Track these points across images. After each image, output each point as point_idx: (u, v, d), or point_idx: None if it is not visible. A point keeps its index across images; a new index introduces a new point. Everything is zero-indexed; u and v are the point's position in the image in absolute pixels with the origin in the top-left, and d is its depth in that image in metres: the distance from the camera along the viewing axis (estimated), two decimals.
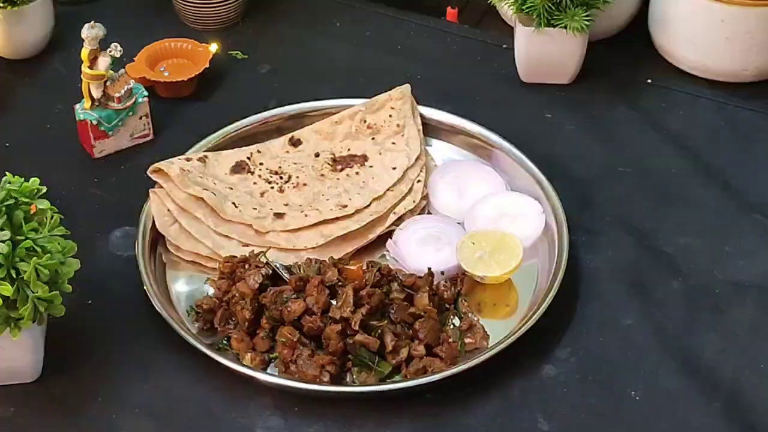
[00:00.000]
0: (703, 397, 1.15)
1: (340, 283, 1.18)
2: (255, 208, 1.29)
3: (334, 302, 1.17)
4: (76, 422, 1.14)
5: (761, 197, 1.34)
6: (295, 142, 1.38)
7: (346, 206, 1.29)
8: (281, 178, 1.34)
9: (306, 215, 1.28)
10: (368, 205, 1.30)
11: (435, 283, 1.22)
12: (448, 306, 1.21)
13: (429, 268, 1.23)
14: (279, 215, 1.29)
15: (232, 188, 1.32)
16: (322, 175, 1.34)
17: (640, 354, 1.19)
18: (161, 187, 1.31)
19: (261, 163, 1.35)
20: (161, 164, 1.31)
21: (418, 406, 1.15)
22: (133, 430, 1.14)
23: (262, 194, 1.32)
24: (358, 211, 1.29)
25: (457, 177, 1.34)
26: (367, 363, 1.15)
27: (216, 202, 1.28)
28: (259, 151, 1.36)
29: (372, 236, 1.29)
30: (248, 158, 1.35)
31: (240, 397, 1.16)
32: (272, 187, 1.33)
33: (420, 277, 1.22)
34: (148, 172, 1.31)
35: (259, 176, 1.34)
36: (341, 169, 1.34)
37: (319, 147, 1.37)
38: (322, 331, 1.15)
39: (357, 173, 1.34)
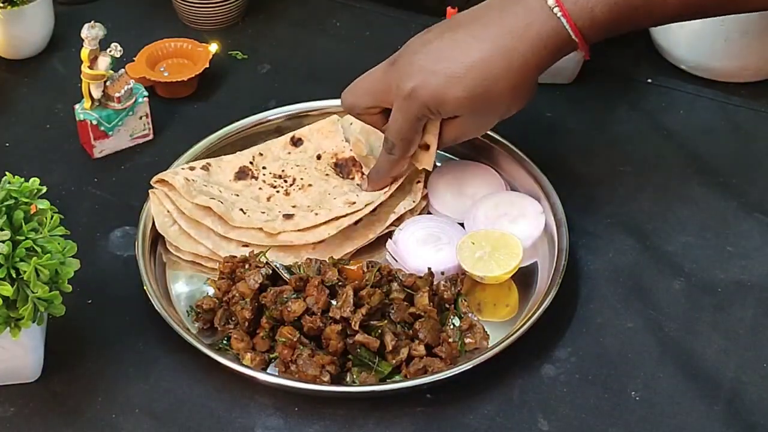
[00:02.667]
0: (703, 397, 1.15)
1: (340, 283, 1.18)
2: (263, 212, 1.29)
3: (334, 302, 1.17)
4: (76, 422, 1.14)
5: (762, 197, 1.34)
6: (296, 142, 1.38)
7: (354, 203, 1.29)
8: (285, 181, 1.34)
9: (316, 214, 1.28)
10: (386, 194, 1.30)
11: (435, 283, 1.22)
12: (448, 306, 1.21)
13: (429, 268, 1.23)
14: (288, 216, 1.29)
15: (238, 195, 1.31)
16: (327, 174, 1.34)
17: (641, 354, 1.19)
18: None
19: (264, 167, 1.35)
20: (165, 175, 1.30)
21: (418, 406, 1.15)
22: (133, 430, 1.14)
23: (268, 199, 1.32)
24: (367, 205, 1.29)
25: (457, 177, 1.34)
26: (368, 363, 1.15)
27: (224, 210, 1.27)
28: (260, 154, 1.36)
29: (372, 236, 1.29)
30: (251, 163, 1.35)
31: (240, 397, 1.16)
32: (278, 191, 1.33)
33: (420, 277, 1.22)
34: (151, 182, 1.30)
35: (264, 181, 1.34)
36: (344, 178, 1.34)
37: (321, 147, 1.37)
38: (322, 331, 1.15)
39: (361, 175, 1.34)
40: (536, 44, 1.18)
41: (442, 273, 1.24)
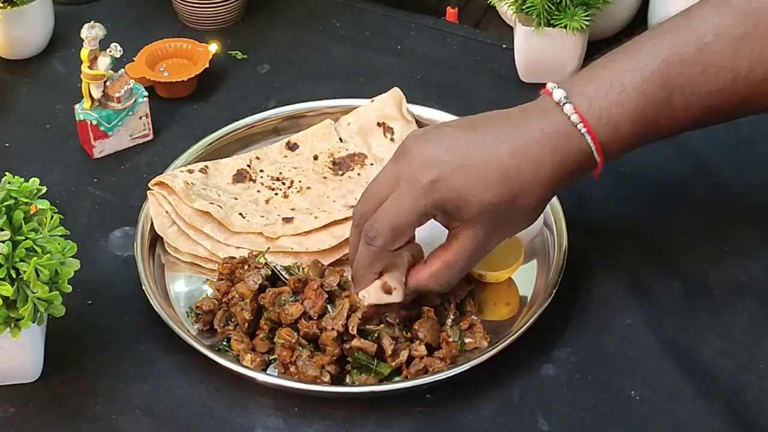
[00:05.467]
0: (703, 396, 1.15)
1: (343, 283, 1.18)
2: (263, 216, 1.29)
3: (330, 307, 1.16)
4: (76, 422, 1.14)
5: (761, 197, 1.34)
6: (292, 146, 1.38)
7: (353, 206, 1.29)
8: (284, 183, 1.34)
9: (316, 217, 1.28)
10: None
11: None
12: (458, 301, 1.21)
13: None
14: (288, 220, 1.29)
15: (236, 198, 1.31)
16: (325, 177, 1.34)
17: (640, 354, 1.19)
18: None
19: (261, 170, 1.35)
20: (164, 178, 1.30)
21: (418, 406, 1.15)
22: (133, 430, 1.14)
23: (267, 201, 1.32)
24: None
25: None
26: (367, 365, 1.15)
27: (223, 215, 1.27)
28: (257, 158, 1.36)
29: None
30: (248, 166, 1.35)
31: (240, 397, 1.16)
32: (276, 194, 1.33)
33: None
34: (150, 185, 1.30)
35: (262, 184, 1.34)
36: (342, 173, 1.34)
37: (317, 148, 1.37)
38: (318, 336, 1.15)
39: (359, 174, 1.34)
40: (561, 160, 1.12)
41: None
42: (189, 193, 1.29)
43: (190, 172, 1.32)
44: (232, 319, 1.19)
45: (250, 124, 1.41)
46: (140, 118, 1.41)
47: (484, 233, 1.13)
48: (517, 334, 1.17)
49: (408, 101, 1.41)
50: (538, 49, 1.45)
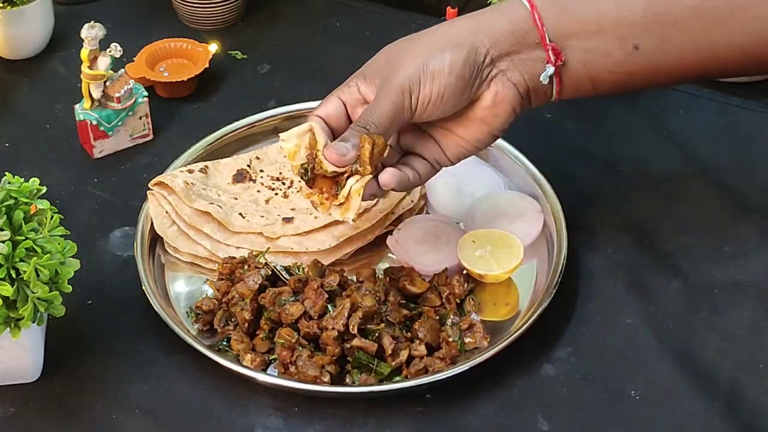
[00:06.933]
0: (702, 396, 1.15)
1: (346, 281, 1.18)
2: (263, 216, 1.29)
3: (330, 307, 1.16)
4: (76, 422, 1.14)
5: (761, 197, 1.34)
6: None
7: None
8: (284, 183, 1.34)
9: (316, 217, 1.28)
10: (375, 203, 1.30)
11: (447, 278, 1.22)
12: (459, 301, 1.21)
13: (445, 268, 1.23)
14: (288, 219, 1.29)
15: (236, 198, 1.31)
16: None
17: (640, 353, 1.19)
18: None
19: (261, 170, 1.35)
20: (164, 178, 1.30)
21: (418, 406, 1.15)
22: (133, 430, 1.14)
23: (267, 201, 1.32)
24: (366, 210, 1.29)
25: (456, 176, 1.34)
26: (367, 365, 1.15)
27: (223, 216, 1.27)
28: (257, 158, 1.36)
29: (371, 237, 1.29)
30: (248, 166, 1.35)
31: (240, 397, 1.16)
32: (276, 194, 1.33)
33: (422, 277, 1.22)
34: (150, 185, 1.30)
35: (262, 183, 1.34)
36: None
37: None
38: (318, 336, 1.15)
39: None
40: (498, 27, 1.15)
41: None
42: (189, 193, 1.29)
43: (190, 172, 1.32)
44: (232, 319, 1.19)
45: (250, 124, 1.41)
46: (140, 118, 1.41)
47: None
48: (517, 334, 1.17)
49: None
50: None
